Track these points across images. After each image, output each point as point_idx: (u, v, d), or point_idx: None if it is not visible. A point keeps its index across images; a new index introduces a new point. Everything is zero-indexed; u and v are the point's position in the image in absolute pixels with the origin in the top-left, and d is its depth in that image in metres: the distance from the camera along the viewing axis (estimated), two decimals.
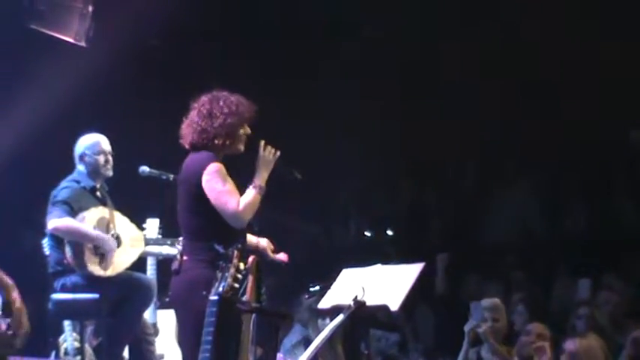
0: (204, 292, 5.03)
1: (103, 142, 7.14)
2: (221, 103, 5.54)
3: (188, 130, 5.58)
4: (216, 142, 5.49)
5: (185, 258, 5.44)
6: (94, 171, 7.07)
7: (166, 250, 7.31)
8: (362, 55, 10.56)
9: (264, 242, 5.90)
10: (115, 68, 9.33)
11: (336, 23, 10.64)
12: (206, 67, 9.52)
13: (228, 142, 5.51)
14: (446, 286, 10.10)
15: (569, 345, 5.84)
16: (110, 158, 7.11)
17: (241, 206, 5.35)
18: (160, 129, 7.37)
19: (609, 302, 8.12)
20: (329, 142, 10.61)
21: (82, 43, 8.12)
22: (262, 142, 5.58)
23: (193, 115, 5.58)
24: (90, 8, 8.08)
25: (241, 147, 5.60)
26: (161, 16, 9.21)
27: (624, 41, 10.15)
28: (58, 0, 8.14)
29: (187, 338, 5.38)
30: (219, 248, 5.22)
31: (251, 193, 5.42)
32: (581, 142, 10.83)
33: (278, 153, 5.59)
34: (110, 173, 7.11)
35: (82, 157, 7.09)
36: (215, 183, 5.36)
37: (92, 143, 7.11)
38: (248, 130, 5.61)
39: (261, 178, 5.50)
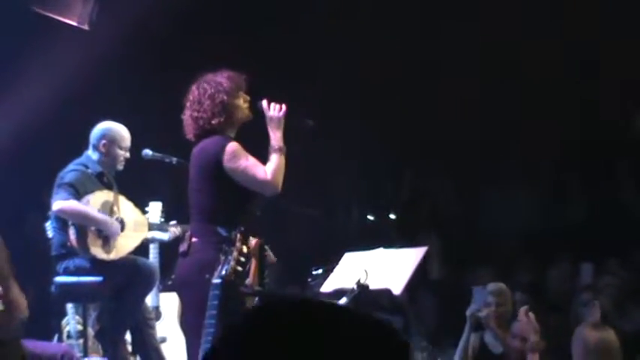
0: (207, 276, 5.03)
1: (129, 137, 7.09)
2: (205, 86, 5.56)
3: (187, 122, 5.60)
4: (214, 122, 5.50)
5: (194, 240, 5.44)
6: (109, 162, 7.02)
7: (169, 234, 7.31)
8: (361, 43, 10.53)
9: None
10: (118, 51, 9.32)
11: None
12: (208, 50, 9.49)
13: (225, 118, 5.52)
14: (441, 271, 10.13)
15: (590, 335, 5.68)
16: (128, 155, 7.09)
17: (269, 174, 5.40)
18: (163, 111, 7.37)
19: (611, 286, 8.12)
20: (330, 126, 10.60)
21: (85, 27, 8.10)
22: (264, 102, 5.60)
23: (186, 107, 5.60)
24: None
25: (246, 114, 5.61)
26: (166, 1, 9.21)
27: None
28: None
29: (192, 321, 5.38)
30: (223, 231, 5.22)
31: (274, 158, 5.46)
32: (584, 126, 10.82)
33: (284, 107, 5.59)
34: (121, 168, 7.09)
35: (103, 145, 7.00)
36: (238, 160, 5.39)
37: (120, 137, 7.04)
38: (247, 97, 5.62)
39: (276, 138, 5.52)
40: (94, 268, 6.79)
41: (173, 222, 7.38)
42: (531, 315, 5.90)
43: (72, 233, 6.74)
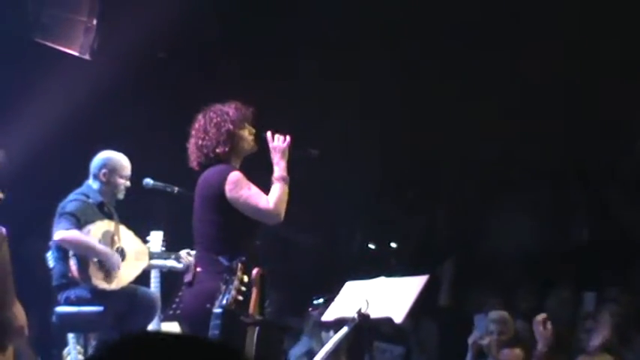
0: (208, 305, 5.03)
1: (129, 166, 7.10)
2: (211, 115, 5.59)
3: (191, 150, 5.62)
4: (218, 151, 5.52)
5: (199, 270, 5.44)
6: (110, 191, 7.03)
7: (170, 263, 7.30)
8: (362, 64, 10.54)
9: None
10: (120, 81, 9.34)
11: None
12: (211, 79, 9.51)
13: (230, 148, 5.55)
14: (450, 298, 10.09)
15: None
16: (129, 184, 7.10)
17: (272, 203, 5.42)
18: (165, 142, 7.39)
19: (614, 315, 8.09)
20: (330, 154, 10.60)
21: (87, 57, 8.14)
22: (269, 133, 5.63)
23: (192, 135, 5.62)
24: (94, 21, 8.09)
25: (251, 146, 5.64)
26: (167, 29, 9.23)
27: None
28: (62, 13, 8.16)
29: None
30: (224, 260, 5.22)
31: (277, 187, 5.49)
32: (584, 151, 10.82)
33: (288, 138, 5.63)
34: (122, 197, 7.09)
35: (103, 174, 7.02)
36: (240, 190, 5.42)
37: (121, 166, 7.05)
38: (252, 129, 5.64)
39: (280, 168, 5.56)
40: (95, 297, 6.78)
41: (186, 250, 7.34)
42: (549, 325, 5.86)
43: (73, 264, 6.75)
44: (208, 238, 5.48)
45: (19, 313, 5.41)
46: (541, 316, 6.22)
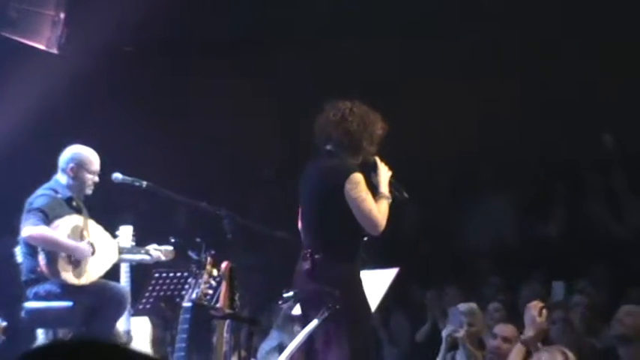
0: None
1: (97, 161, 7.06)
2: (370, 115, 5.83)
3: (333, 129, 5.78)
4: (364, 145, 5.76)
5: (317, 257, 5.57)
6: (78, 186, 6.99)
7: (140, 257, 7.27)
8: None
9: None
10: (88, 75, 9.30)
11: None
12: (177, 72, 9.49)
13: (366, 147, 5.80)
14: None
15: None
16: (97, 179, 7.05)
17: (381, 216, 5.66)
18: (132, 135, 7.36)
19: (581, 305, 8.15)
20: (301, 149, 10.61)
21: (54, 50, 8.08)
22: (377, 158, 5.89)
23: (345, 116, 5.77)
24: (62, 15, 8.03)
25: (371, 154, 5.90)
26: (134, 23, 9.20)
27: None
28: (29, 7, 8.10)
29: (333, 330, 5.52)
30: (193, 254, 5.21)
31: (384, 203, 5.72)
32: (554, 147, 10.88)
33: (390, 172, 5.89)
34: (90, 192, 7.05)
35: (70, 169, 6.98)
36: (359, 192, 5.63)
37: (89, 161, 7.01)
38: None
39: (385, 188, 5.80)
40: (65, 293, 6.75)
41: (152, 245, 7.32)
42: (544, 313, 5.86)
43: (42, 259, 6.70)
44: (323, 227, 5.74)
45: None
46: (537, 303, 6.21)
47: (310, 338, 5.48)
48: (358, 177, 5.66)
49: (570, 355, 5.26)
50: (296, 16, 10.32)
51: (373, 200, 5.68)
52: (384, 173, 5.85)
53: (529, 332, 5.77)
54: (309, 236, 5.74)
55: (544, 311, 5.76)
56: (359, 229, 5.67)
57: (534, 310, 5.87)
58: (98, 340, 1.82)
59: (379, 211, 5.65)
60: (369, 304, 5.77)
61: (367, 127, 5.79)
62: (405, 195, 5.98)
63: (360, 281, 5.68)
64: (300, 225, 5.90)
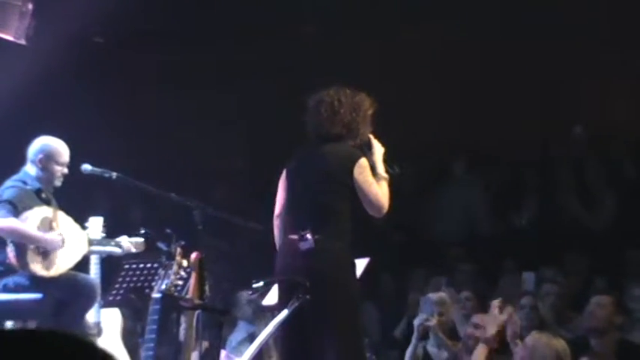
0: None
1: (67, 153, 7.02)
2: (361, 98, 5.86)
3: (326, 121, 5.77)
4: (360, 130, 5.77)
5: (317, 237, 5.54)
6: (47, 178, 6.95)
7: (110, 249, 7.24)
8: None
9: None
10: (57, 66, 9.24)
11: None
12: (147, 64, 9.45)
13: (361, 132, 5.81)
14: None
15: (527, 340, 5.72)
16: (66, 170, 7.02)
17: (385, 198, 5.68)
18: (101, 126, 7.32)
19: (551, 294, 8.20)
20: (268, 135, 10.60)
21: (22, 41, 8.02)
22: (371, 136, 5.88)
23: (335, 109, 5.77)
24: (30, 6, 7.97)
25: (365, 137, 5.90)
26: (104, 14, 9.15)
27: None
28: None
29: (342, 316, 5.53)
30: (163, 245, 5.20)
31: (384, 185, 5.73)
32: (525, 138, 10.92)
33: (383, 148, 5.89)
34: (59, 184, 7.02)
35: (39, 161, 6.95)
36: (367, 176, 5.66)
37: (58, 152, 6.97)
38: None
39: (381, 168, 5.81)
40: (34, 285, 6.72)
41: (123, 236, 7.29)
42: (508, 310, 5.88)
43: (10, 251, 6.67)
44: (328, 207, 5.70)
45: None
46: (498, 301, 6.24)
47: (299, 324, 5.45)
48: (365, 161, 5.71)
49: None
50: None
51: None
52: (379, 151, 5.87)
53: (490, 330, 5.80)
54: (302, 217, 5.70)
55: (505, 308, 5.80)
56: (354, 212, 5.71)
57: (494, 308, 5.91)
58: (59, 331, 1.80)
59: (383, 193, 5.69)
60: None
61: (359, 112, 5.82)
62: (398, 170, 5.97)
63: (354, 263, 5.69)
64: (279, 209, 5.84)
